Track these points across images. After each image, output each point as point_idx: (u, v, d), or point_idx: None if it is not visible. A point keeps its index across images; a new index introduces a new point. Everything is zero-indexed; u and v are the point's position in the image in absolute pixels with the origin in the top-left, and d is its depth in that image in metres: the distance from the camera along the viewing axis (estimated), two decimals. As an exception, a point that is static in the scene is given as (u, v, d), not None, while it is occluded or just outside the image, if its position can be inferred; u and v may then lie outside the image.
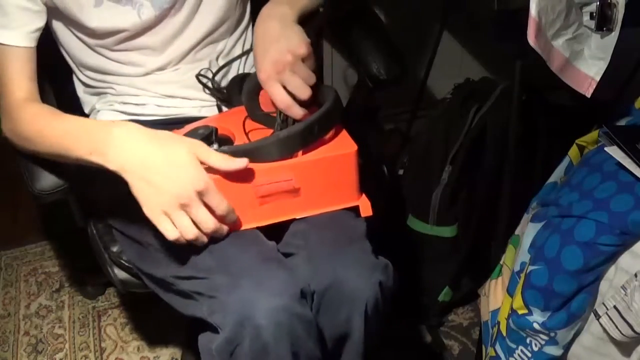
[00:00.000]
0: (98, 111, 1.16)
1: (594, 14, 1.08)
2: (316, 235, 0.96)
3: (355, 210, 1.03)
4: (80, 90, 1.18)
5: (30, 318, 1.59)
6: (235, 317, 0.86)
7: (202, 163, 0.88)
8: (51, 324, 1.58)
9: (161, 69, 1.11)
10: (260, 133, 1.02)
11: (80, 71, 1.14)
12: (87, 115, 1.20)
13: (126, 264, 1.11)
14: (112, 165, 0.88)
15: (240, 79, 1.11)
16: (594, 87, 1.11)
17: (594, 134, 1.15)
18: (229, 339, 0.87)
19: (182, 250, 0.94)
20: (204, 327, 0.92)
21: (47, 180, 1.02)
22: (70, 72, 1.17)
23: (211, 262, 0.91)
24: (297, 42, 0.95)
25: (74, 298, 1.64)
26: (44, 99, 1.05)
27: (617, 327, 0.97)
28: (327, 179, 0.97)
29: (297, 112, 0.96)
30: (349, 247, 0.94)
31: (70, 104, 1.17)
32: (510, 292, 1.11)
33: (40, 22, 1.03)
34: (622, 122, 1.18)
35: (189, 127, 0.99)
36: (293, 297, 0.87)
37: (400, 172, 1.58)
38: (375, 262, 0.94)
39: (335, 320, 0.93)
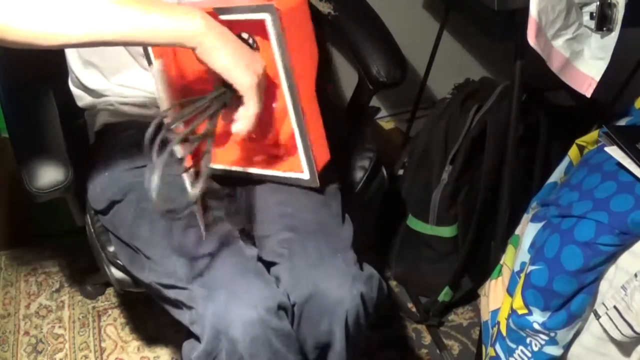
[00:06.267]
0: (98, 111, 1.16)
1: (594, 14, 1.08)
2: (300, 245, 0.96)
3: (342, 218, 1.03)
4: (76, 85, 1.17)
5: (30, 318, 1.59)
6: (211, 330, 0.86)
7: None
8: (51, 324, 1.58)
9: None
10: None
11: (84, 68, 1.13)
12: (82, 110, 1.19)
13: (122, 264, 1.11)
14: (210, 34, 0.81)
15: None
16: (594, 87, 1.11)
17: (594, 134, 1.15)
18: (206, 351, 0.88)
19: (165, 258, 0.95)
20: (190, 333, 0.93)
21: (45, 179, 1.02)
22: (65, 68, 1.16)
23: (190, 272, 0.91)
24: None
25: (74, 298, 1.64)
26: (41, 96, 1.04)
27: (617, 327, 0.97)
28: None
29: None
30: (331, 258, 0.94)
31: (63, 98, 1.17)
32: (510, 292, 1.11)
33: None
34: (622, 122, 1.18)
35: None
36: (269, 310, 0.87)
37: (400, 172, 1.58)
38: (357, 273, 0.94)
39: (316, 331, 0.93)
